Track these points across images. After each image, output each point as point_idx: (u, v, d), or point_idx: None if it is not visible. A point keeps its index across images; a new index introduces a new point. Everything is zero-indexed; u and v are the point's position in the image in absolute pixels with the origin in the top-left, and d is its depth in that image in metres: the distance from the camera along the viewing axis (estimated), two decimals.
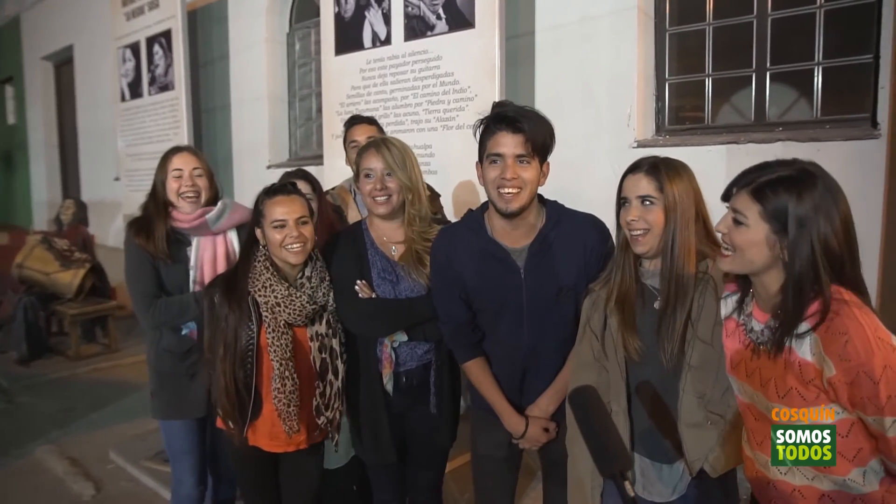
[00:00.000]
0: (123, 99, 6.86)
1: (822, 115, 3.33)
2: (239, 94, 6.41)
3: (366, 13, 4.25)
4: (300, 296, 2.24)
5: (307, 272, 2.29)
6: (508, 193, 1.98)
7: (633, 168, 1.82)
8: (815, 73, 3.33)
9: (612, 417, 1.90)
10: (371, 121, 3.20)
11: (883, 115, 2.98)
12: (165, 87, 6.13)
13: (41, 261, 6.42)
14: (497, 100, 3.35)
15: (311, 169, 3.24)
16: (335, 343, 2.32)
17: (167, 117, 6.11)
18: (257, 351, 2.23)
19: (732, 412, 1.76)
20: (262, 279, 2.24)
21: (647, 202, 1.76)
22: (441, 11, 3.78)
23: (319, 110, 5.57)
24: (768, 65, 3.46)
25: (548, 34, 4.04)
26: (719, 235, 1.59)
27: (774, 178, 1.46)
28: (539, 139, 1.98)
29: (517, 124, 1.96)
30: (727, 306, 1.70)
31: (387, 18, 4.11)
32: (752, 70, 3.51)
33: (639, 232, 1.78)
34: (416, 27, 3.94)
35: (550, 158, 2.09)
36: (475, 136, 2.09)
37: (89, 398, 5.34)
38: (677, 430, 1.81)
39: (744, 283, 1.64)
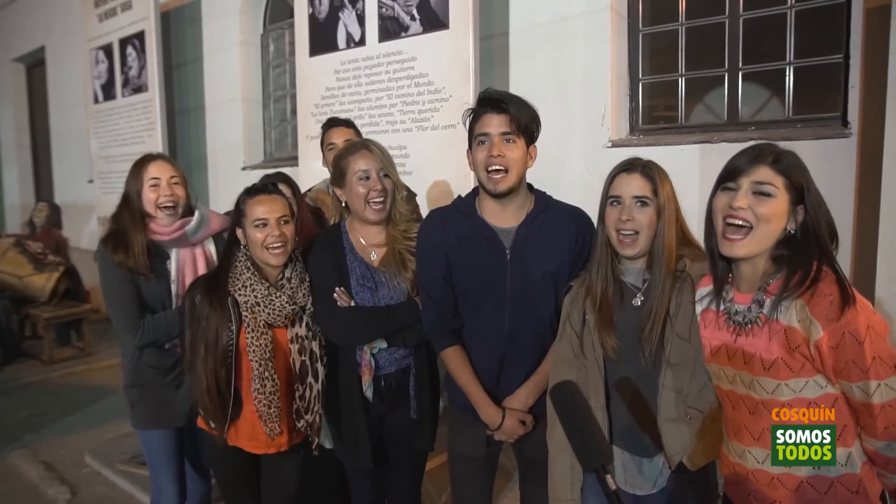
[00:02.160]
0: (97, 101, 6.77)
1: (793, 115, 3.37)
2: (213, 96, 6.35)
3: (340, 14, 4.23)
4: (280, 296, 2.24)
5: (287, 273, 2.29)
6: (496, 172, 2.02)
7: (626, 168, 1.84)
8: (787, 73, 3.37)
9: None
10: (349, 123, 3.18)
11: (853, 114, 3.02)
12: (139, 89, 6.06)
13: (14, 264, 6.34)
14: (471, 100, 3.35)
15: (286, 170, 3.23)
16: (315, 346, 2.31)
17: (141, 119, 6.04)
18: (237, 352, 2.22)
19: (711, 407, 1.78)
20: (242, 279, 2.24)
21: (642, 203, 1.80)
22: (415, 12, 3.77)
23: (294, 112, 5.53)
24: (740, 64, 3.50)
25: (522, 35, 4.05)
26: (710, 224, 1.60)
27: (783, 152, 1.54)
28: (523, 119, 2.03)
29: (501, 105, 2.01)
30: (703, 303, 1.72)
31: (361, 19, 4.09)
32: (725, 70, 3.54)
33: (629, 233, 1.81)
34: (391, 28, 3.93)
35: None
36: (465, 125, 2.14)
37: (63, 402, 5.28)
38: (656, 425, 1.82)
39: (720, 275, 1.66)
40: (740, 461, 1.65)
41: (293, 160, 5.21)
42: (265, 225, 2.21)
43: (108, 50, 6.46)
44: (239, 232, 2.28)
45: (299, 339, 2.28)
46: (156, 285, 2.52)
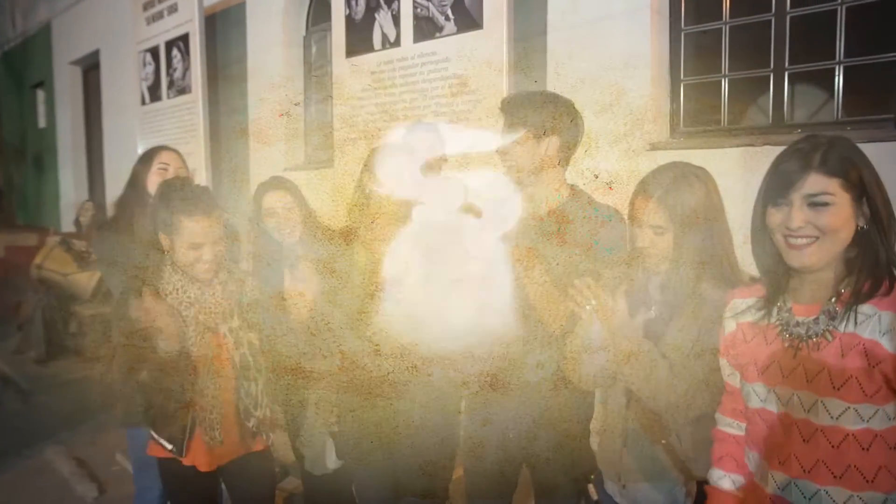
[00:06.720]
0: (143, 102, 6.89)
1: (843, 117, 3.19)
2: (256, 97, 6.38)
3: (376, 15, 4.20)
4: (214, 293, 2.18)
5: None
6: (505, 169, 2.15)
7: (644, 191, 1.75)
8: (836, 73, 3.19)
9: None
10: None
11: None
12: (183, 91, 6.14)
13: (59, 262, 6.47)
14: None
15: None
16: (253, 337, 2.22)
17: (184, 120, 6.11)
18: (183, 359, 2.11)
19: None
20: (172, 281, 2.15)
21: (659, 231, 1.73)
22: (449, 12, 3.71)
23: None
24: (786, 64, 3.33)
25: (559, 35, 3.94)
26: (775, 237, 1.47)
27: (831, 145, 1.39)
28: (520, 115, 2.08)
29: (504, 112, 2.13)
30: (744, 316, 1.57)
31: (396, 20, 4.04)
32: (770, 70, 3.38)
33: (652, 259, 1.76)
34: (425, 28, 3.87)
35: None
36: None
37: (102, 399, 5.35)
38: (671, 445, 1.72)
39: (773, 285, 1.52)
40: (781, 493, 1.46)
41: (332, 162, 5.19)
42: (199, 248, 2.09)
43: (154, 52, 6.56)
44: (163, 238, 2.14)
45: (233, 332, 2.19)
46: None
